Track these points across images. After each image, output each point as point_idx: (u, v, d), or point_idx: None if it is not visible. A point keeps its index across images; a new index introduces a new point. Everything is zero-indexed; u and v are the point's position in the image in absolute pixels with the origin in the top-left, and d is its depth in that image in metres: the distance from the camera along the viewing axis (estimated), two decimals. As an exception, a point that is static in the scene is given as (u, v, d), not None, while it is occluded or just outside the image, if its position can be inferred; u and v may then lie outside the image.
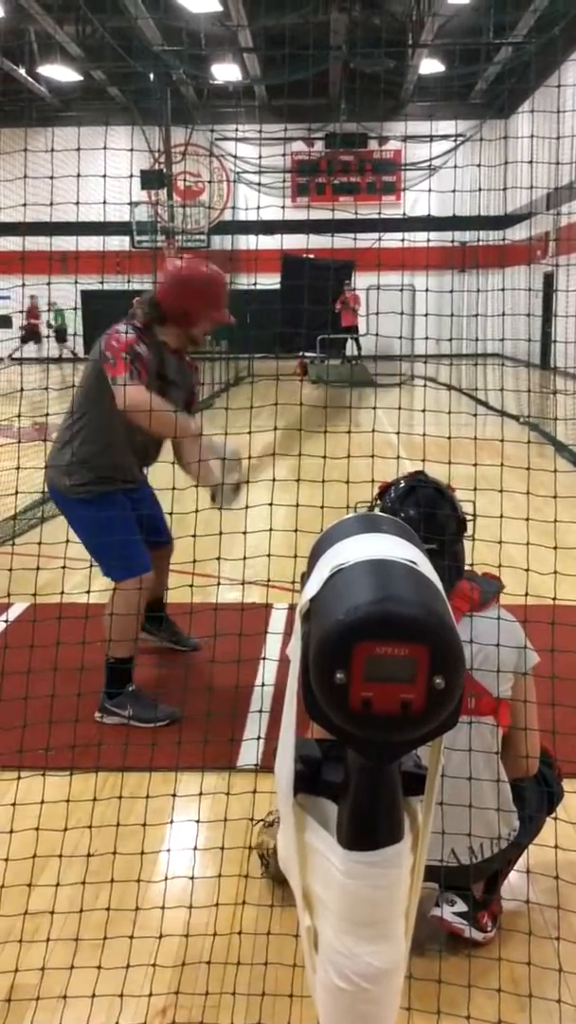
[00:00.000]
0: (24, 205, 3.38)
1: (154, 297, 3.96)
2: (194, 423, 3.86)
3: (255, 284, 4.15)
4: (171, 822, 3.09)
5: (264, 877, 2.89)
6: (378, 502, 2.77)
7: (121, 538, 3.89)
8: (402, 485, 2.75)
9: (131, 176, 3.88)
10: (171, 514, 3.73)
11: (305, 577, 1.18)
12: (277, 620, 4.93)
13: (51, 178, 3.39)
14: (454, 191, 4.11)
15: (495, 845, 2.61)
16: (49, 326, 21.75)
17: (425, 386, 4.33)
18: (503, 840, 2.62)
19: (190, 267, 4.02)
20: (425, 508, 2.65)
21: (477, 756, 2.53)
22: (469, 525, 2.75)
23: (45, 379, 3.86)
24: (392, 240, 4.97)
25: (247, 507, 3.31)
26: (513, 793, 2.66)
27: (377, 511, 2.59)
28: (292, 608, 3.30)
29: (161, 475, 4.29)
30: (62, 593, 3.39)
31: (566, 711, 2.90)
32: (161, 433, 3.82)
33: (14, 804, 2.79)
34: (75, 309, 3.67)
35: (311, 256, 18.41)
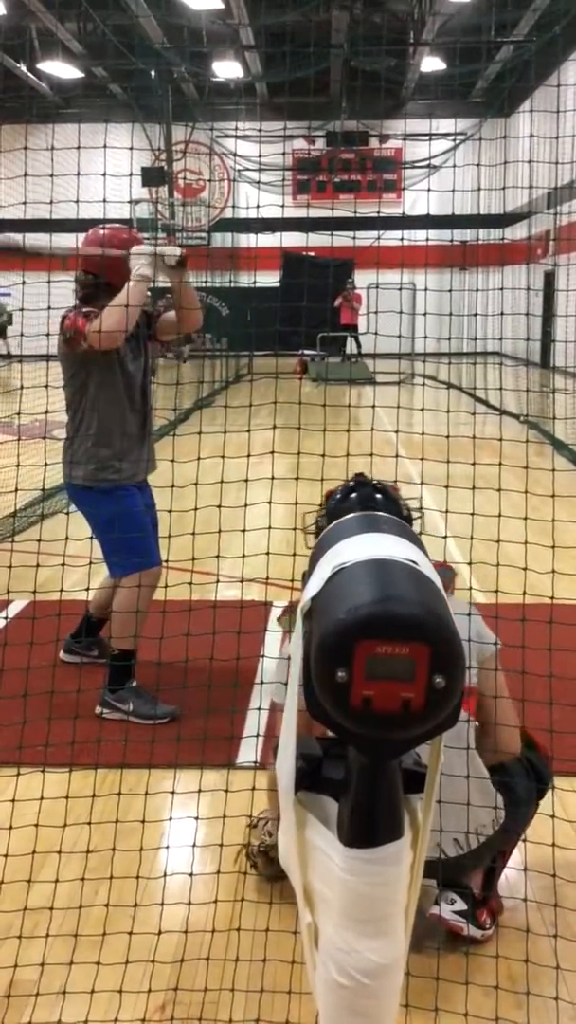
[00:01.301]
0: (24, 203, 3.39)
1: (78, 272, 4.09)
2: (132, 285, 3.88)
3: (255, 282, 4.16)
4: (170, 819, 3.09)
5: (252, 874, 2.90)
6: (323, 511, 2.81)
7: (128, 535, 3.94)
8: (340, 492, 2.80)
9: (131, 174, 3.89)
10: (170, 511, 3.74)
11: (307, 576, 1.18)
12: (276, 618, 4.93)
13: (51, 176, 3.40)
14: (454, 190, 4.10)
15: (480, 836, 2.61)
16: None
17: (424, 384, 4.33)
18: (488, 828, 2.62)
19: (101, 234, 4.12)
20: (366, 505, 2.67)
21: (450, 752, 2.52)
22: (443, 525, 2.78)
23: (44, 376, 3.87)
24: (392, 238, 4.97)
25: (246, 505, 3.32)
26: (498, 780, 2.66)
27: (323, 518, 2.63)
28: (290, 607, 3.31)
29: (161, 475, 4.30)
30: (61, 590, 3.40)
31: (564, 710, 2.91)
32: (130, 317, 3.84)
33: (13, 800, 2.79)
34: (21, 310, 3.71)
35: (312, 254, 18.43)
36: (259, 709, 3.79)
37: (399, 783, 1.16)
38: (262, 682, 3.70)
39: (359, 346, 22.58)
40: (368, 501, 2.68)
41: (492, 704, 2.67)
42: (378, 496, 2.73)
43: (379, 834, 1.14)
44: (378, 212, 23.63)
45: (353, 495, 2.74)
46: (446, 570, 2.76)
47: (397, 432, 3.36)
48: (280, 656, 2.72)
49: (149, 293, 4.01)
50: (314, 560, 1.18)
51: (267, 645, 4.32)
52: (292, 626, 2.74)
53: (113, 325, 3.77)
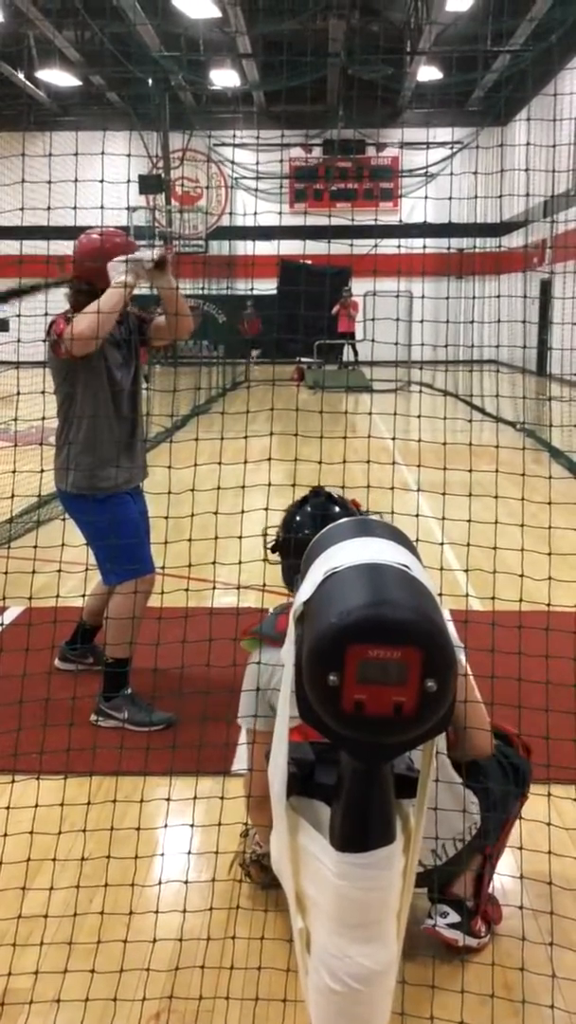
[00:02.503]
0: (22, 209, 3.39)
1: (71, 279, 4.09)
2: (108, 292, 3.87)
3: (251, 289, 4.18)
4: (165, 826, 3.08)
5: (247, 882, 2.89)
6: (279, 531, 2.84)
7: (121, 542, 3.93)
8: (299, 501, 2.83)
9: (129, 181, 3.89)
10: (167, 518, 3.74)
11: (299, 580, 1.18)
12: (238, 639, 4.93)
13: (49, 183, 3.40)
14: (450, 198, 4.11)
15: (457, 843, 2.59)
16: None
17: (421, 392, 4.34)
18: (465, 834, 2.60)
19: (90, 239, 4.12)
20: (318, 522, 2.67)
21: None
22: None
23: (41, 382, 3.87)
24: (389, 247, 4.98)
25: (243, 512, 3.32)
26: (475, 781, 2.64)
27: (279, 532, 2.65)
28: (287, 613, 3.31)
29: (157, 482, 4.29)
30: (57, 597, 3.39)
31: (561, 717, 2.91)
32: (102, 324, 3.81)
33: (8, 808, 2.79)
34: (18, 316, 3.73)
35: (309, 262, 18.48)
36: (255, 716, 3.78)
37: (391, 788, 1.15)
38: (257, 689, 3.68)
39: (356, 354, 22.62)
40: (321, 510, 2.71)
41: (462, 709, 2.66)
42: (334, 507, 2.76)
43: (371, 839, 1.14)
44: (375, 220, 23.70)
45: (306, 506, 2.79)
46: None
47: (394, 439, 3.37)
48: (247, 688, 2.71)
49: (130, 300, 4.00)
50: (307, 565, 1.18)
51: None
52: (255, 647, 2.71)
53: (84, 331, 3.75)
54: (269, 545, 2.83)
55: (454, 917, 2.61)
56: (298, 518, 2.77)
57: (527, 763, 2.81)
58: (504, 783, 2.69)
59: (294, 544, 2.72)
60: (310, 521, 2.72)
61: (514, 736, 2.84)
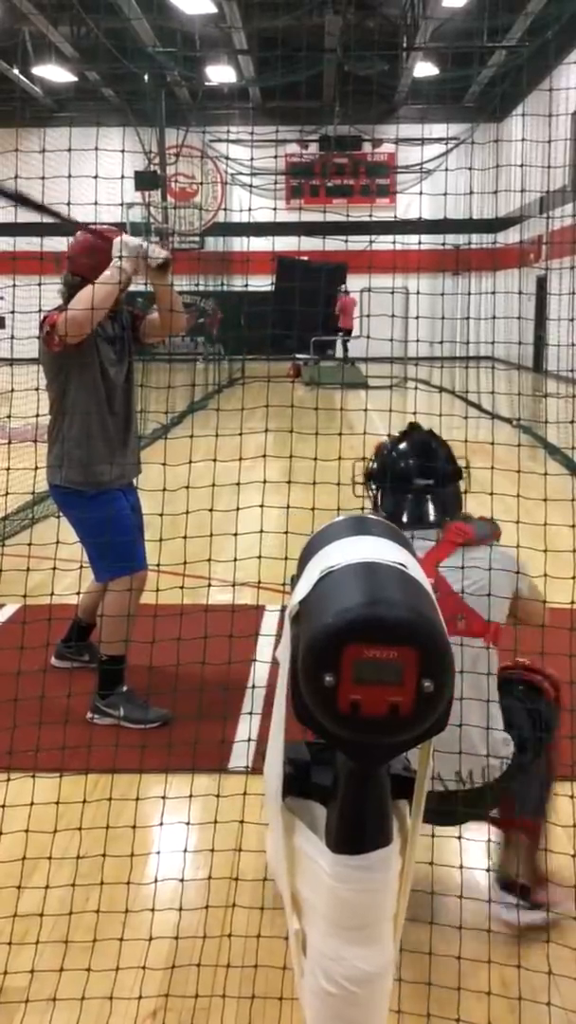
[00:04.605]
0: (16, 205, 3.38)
1: (64, 274, 4.08)
2: (106, 273, 3.85)
3: (247, 286, 4.17)
4: (161, 824, 3.07)
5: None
6: (373, 460, 2.87)
7: (113, 539, 3.91)
8: (397, 435, 2.86)
9: (123, 177, 3.88)
10: (162, 515, 3.74)
11: (295, 579, 1.17)
12: (269, 622, 4.93)
13: (43, 179, 3.38)
14: (446, 194, 4.11)
15: (487, 772, 2.56)
16: None
17: (417, 388, 4.34)
18: (501, 761, 2.58)
19: (91, 235, 4.13)
20: (419, 453, 2.74)
21: (464, 678, 2.50)
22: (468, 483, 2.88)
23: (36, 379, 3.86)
24: (385, 243, 4.97)
25: (238, 508, 3.31)
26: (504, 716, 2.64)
27: (374, 466, 2.68)
28: (284, 610, 3.30)
29: (152, 479, 4.28)
30: (52, 595, 3.39)
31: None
32: (99, 308, 3.78)
33: (3, 806, 2.78)
34: (12, 312, 3.71)
35: (305, 258, 18.46)
36: (251, 713, 3.78)
37: (388, 788, 1.15)
38: (254, 686, 3.69)
39: (346, 351, 22.58)
40: (421, 448, 2.75)
41: (531, 606, 2.77)
42: (432, 445, 2.81)
43: (367, 840, 1.13)
44: (371, 216, 23.67)
45: (403, 444, 2.82)
46: (488, 525, 2.78)
47: (390, 436, 3.36)
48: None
49: (124, 292, 3.98)
50: (302, 563, 1.17)
51: (259, 649, 4.31)
52: None
53: (78, 315, 3.73)
54: (359, 476, 2.87)
55: (510, 898, 2.62)
56: (400, 447, 2.82)
57: (552, 707, 2.79)
58: (530, 730, 2.68)
59: (391, 474, 2.78)
60: (411, 451, 2.77)
61: (547, 691, 2.82)
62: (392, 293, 4.03)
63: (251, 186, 24.34)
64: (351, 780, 1.14)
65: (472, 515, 2.86)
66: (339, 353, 22.82)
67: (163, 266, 3.93)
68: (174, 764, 3.33)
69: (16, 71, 21.63)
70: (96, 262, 3.93)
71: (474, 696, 2.52)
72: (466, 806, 2.56)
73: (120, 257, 3.82)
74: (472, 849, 2.89)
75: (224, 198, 27.49)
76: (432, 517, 2.75)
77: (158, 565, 4.11)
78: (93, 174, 3.40)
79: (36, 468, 3.79)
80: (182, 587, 3.48)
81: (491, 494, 3.08)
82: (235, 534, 3.16)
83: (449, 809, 2.52)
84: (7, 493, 3.67)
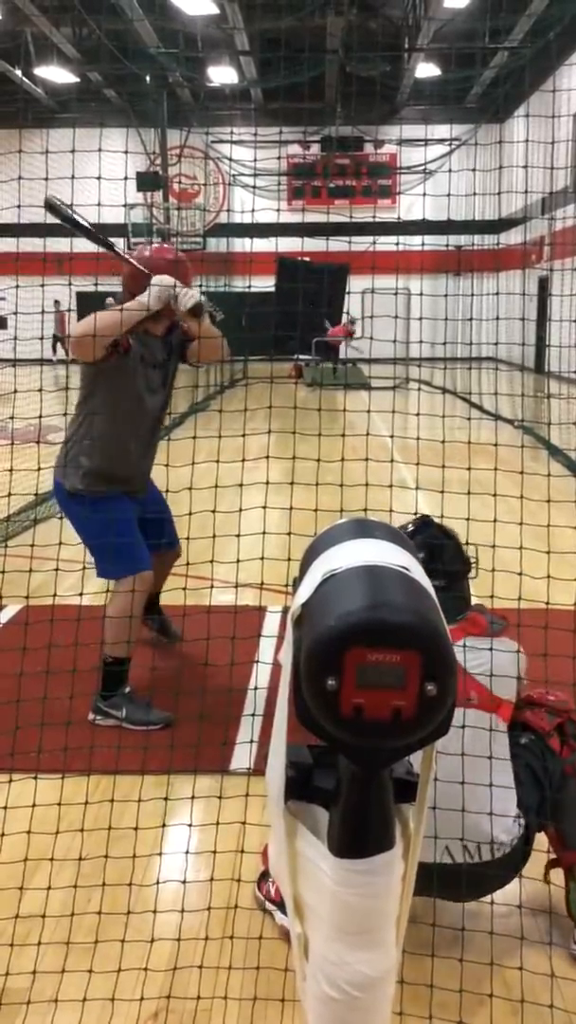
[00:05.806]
0: (19, 206, 3.38)
1: (124, 285, 4.04)
2: (128, 304, 3.81)
3: (249, 287, 4.16)
4: (163, 825, 3.08)
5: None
6: None
7: (117, 540, 3.90)
8: (409, 528, 2.78)
9: (126, 178, 3.87)
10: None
11: (297, 582, 1.17)
12: (271, 623, 4.92)
13: (46, 179, 3.39)
14: (449, 195, 4.10)
15: (494, 847, 2.48)
16: None
17: (419, 389, 4.33)
18: (506, 845, 2.51)
19: (152, 250, 4.09)
20: (428, 555, 2.67)
21: (479, 745, 2.45)
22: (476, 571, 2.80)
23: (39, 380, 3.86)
24: (388, 244, 4.97)
25: (241, 510, 3.31)
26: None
27: None
28: (286, 612, 3.30)
29: (156, 480, 4.28)
30: (54, 595, 3.38)
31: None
32: (99, 331, 3.69)
33: (5, 807, 2.78)
34: (15, 313, 3.68)
35: (307, 259, 18.46)
36: (253, 715, 3.78)
37: (390, 792, 1.14)
38: (256, 688, 3.68)
39: (336, 356, 22.47)
40: (430, 550, 2.68)
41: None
42: (442, 544, 2.73)
43: (370, 844, 1.13)
44: (373, 217, 23.68)
45: (416, 537, 2.74)
46: (501, 620, 2.72)
47: (392, 437, 3.36)
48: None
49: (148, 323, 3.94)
50: (305, 566, 1.17)
51: (262, 651, 4.31)
52: None
53: (80, 333, 3.65)
54: None
55: None
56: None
57: (559, 761, 2.67)
58: (537, 791, 2.61)
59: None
60: (421, 552, 2.69)
61: (546, 733, 2.71)
62: (395, 294, 4.03)
63: (253, 187, 24.34)
64: (353, 784, 1.13)
65: (485, 607, 2.80)
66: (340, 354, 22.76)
67: (194, 312, 3.87)
68: (176, 765, 3.33)
69: (19, 72, 21.65)
70: (137, 291, 3.91)
71: (482, 780, 2.46)
72: (474, 879, 2.49)
73: (148, 295, 3.78)
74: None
75: (226, 199, 27.50)
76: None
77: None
78: (95, 175, 3.40)
79: (39, 469, 3.79)
80: (184, 588, 3.48)
81: (494, 495, 3.08)
82: (238, 535, 3.16)
83: (472, 879, 2.48)
84: (10, 494, 3.67)
